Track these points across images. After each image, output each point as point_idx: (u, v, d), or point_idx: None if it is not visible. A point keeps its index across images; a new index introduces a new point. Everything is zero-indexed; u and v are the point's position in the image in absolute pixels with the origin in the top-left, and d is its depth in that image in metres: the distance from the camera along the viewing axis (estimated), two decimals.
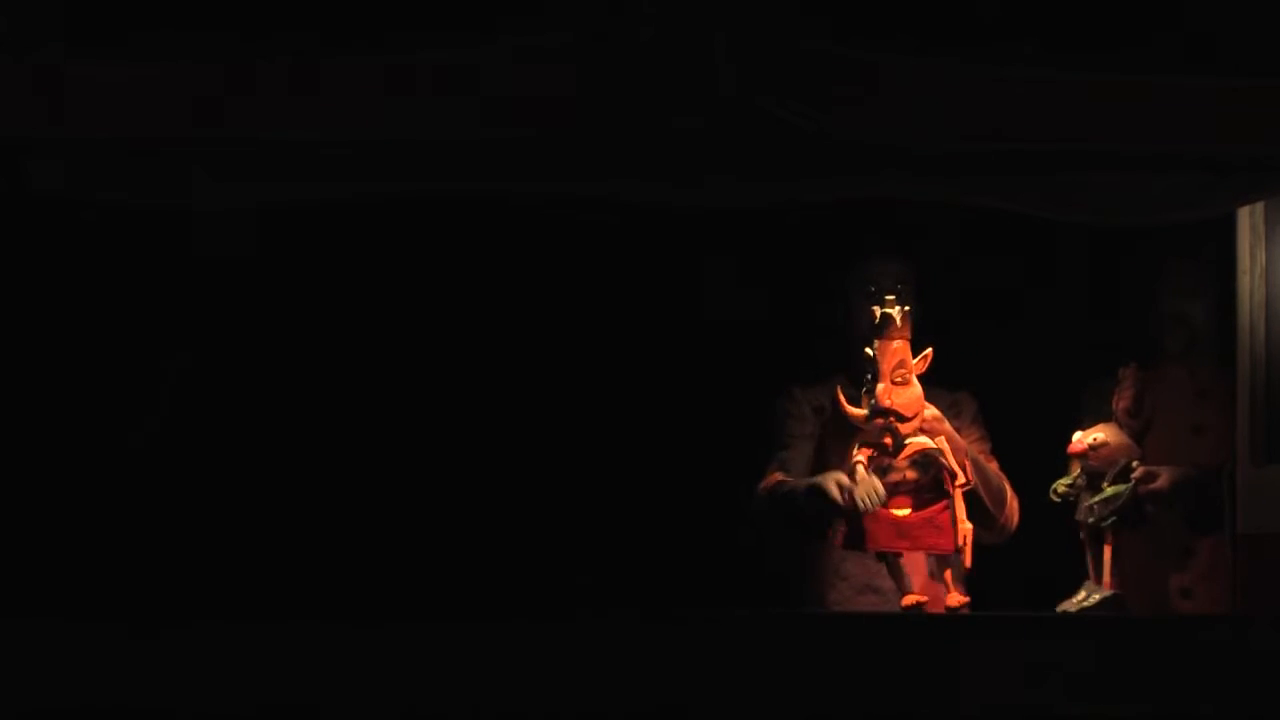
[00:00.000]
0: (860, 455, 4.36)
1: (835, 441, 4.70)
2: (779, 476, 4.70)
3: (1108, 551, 4.42)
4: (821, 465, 4.70)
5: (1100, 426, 4.48)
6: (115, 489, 5.35)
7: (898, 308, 4.33)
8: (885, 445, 4.32)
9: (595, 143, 4.11)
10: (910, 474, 4.31)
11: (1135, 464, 4.45)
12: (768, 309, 5.44)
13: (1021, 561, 4.61)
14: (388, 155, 4.16)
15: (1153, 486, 4.54)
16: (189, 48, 4.10)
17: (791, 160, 4.18)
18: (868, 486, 4.32)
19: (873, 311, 4.38)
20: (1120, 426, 4.50)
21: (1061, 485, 4.51)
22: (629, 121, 4.08)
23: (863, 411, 4.34)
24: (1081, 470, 4.46)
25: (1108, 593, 4.39)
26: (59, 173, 4.24)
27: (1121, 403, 4.49)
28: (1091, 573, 4.43)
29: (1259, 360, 4.35)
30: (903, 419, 4.31)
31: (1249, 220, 4.38)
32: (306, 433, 5.41)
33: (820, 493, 4.40)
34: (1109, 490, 4.41)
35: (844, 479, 4.39)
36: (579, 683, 4.06)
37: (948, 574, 4.38)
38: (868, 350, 4.38)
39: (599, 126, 4.09)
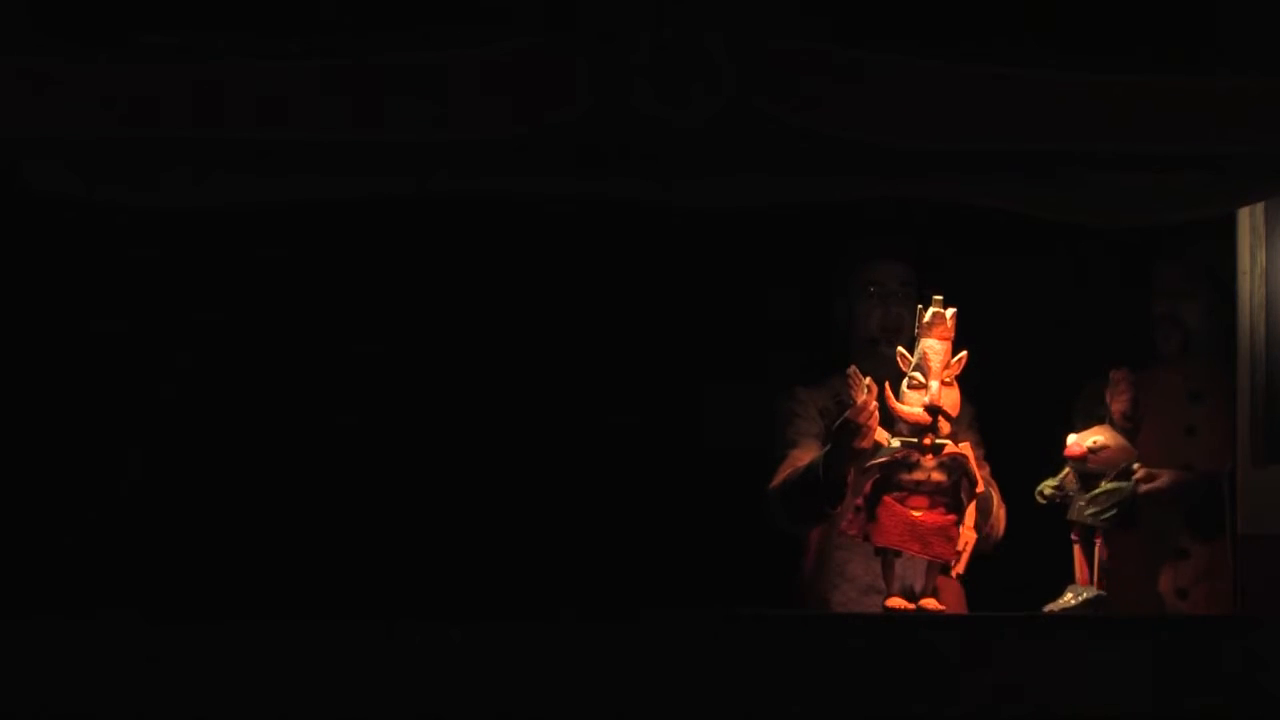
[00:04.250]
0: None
1: None
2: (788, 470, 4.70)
3: (1097, 551, 4.41)
4: None
5: (1097, 429, 4.46)
6: (117, 488, 5.35)
7: (949, 308, 4.30)
8: (922, 444, 4.29)
9: (595, 143, 4.11)
10: (938, 475, 4.29)
11: (1136, 466, 4.45)
12: (768, 309, 5.44)
13: (1020, 562, 4.61)
14: (388, 155, 4.16)
15: (1153, 486, 4.54)
16: (188, 48, 4.10)
17: (791, 160, 4.18)
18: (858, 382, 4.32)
19: (919, 311, 4.34)
20: (1115, 429, 4.49)
21: (1048, 487, 4.51)
22: (629, 121, 4.08)
23: (917, 410, 4.29)
24: (1074, 472, 4.44)
25: (1096, 593, 4.37)
26: (59, 173, 4.24)
27: (1117, 405, 4.47)
28: (1078, 574, 4.42)
29: (1259, 360, 4.35)
30: (950, 419, 4.29)
31: (1249, 220, 4.37)
32: (307, 432, 5.41)
33: (840, 428, 4.37)
34: (1108, 485, 4.40)
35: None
36: (579, 683, 4.06)
37: (936, 579, 4.37)
38: (901, 350, 4.35)
39: (599, 126, 4.09)
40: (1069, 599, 4.38)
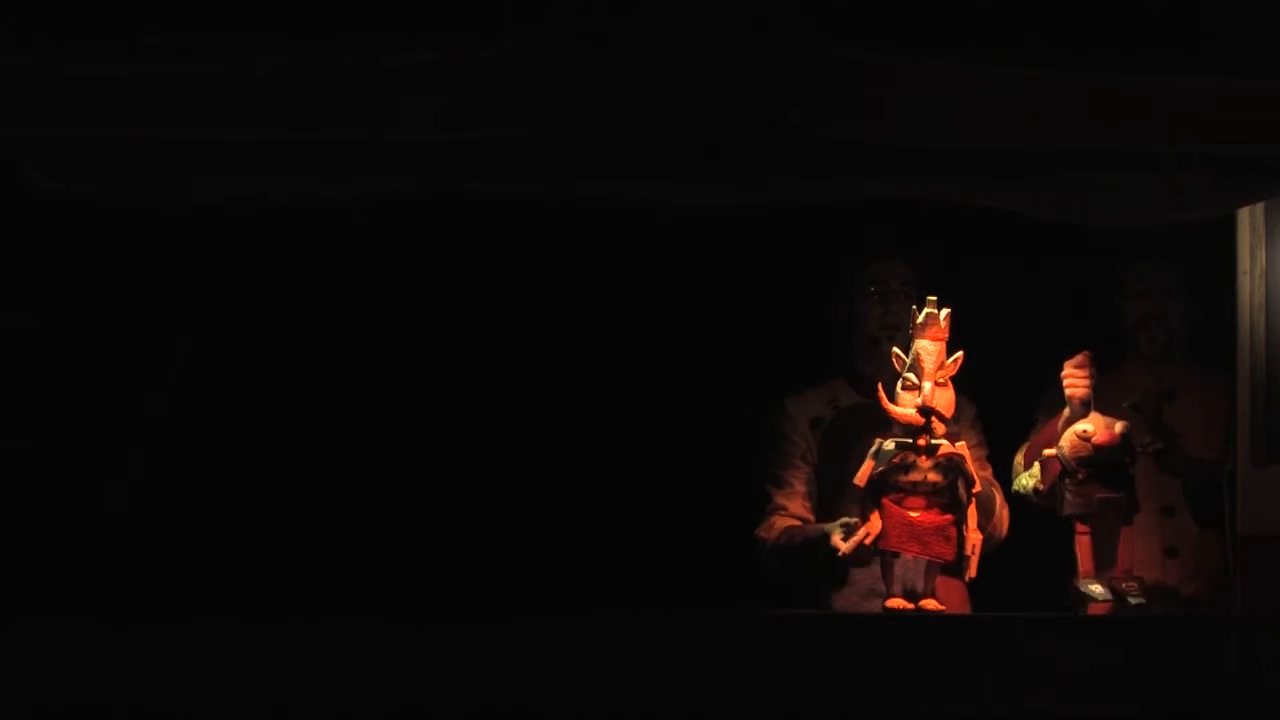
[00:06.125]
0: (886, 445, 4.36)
1: (837, 444, 4.69)
2: (780, 524, 4.71)
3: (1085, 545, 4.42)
4: (824, 472, 4.71)
5: (1080, 422, 4.46)
6: (115, 489, 5.35)
7: (942, 309, 4.31)
8: (917, 445, 4.29)
9: (595, 143, 4.11)
10: (933, 476, 4.29)
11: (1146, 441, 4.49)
12: (767, 310, 5.44)
13: (1020, 562, 4.61)
14: (387, 154, 4.16)
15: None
16: (189, 47, 4.10)
17: (791, 160, 4.18)
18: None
19: (913, 312, 4.35)
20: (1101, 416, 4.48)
21: (1030, 478, 4.52)
22: (629, 121, 4.08)
23: (910, 412, 4.29)
24: (1062, 463, 4.44)
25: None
26: (59, 173, 4.24)
27: (1079, 393, 4.48)
28: (1084, 565, 4.43)
29: (1259, 360, 4.35)
30: (944, 420, 4.29)
31: (1249, 220, 4.38)
32: (307, 432, 5.41)
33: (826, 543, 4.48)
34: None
35: (849, 522, 4.44)
36: (579, 683, 4.06)
37: (937, 580, 4.37)
38: (896, 350, 4.36)
39: (599, 126, 4.09)
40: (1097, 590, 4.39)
